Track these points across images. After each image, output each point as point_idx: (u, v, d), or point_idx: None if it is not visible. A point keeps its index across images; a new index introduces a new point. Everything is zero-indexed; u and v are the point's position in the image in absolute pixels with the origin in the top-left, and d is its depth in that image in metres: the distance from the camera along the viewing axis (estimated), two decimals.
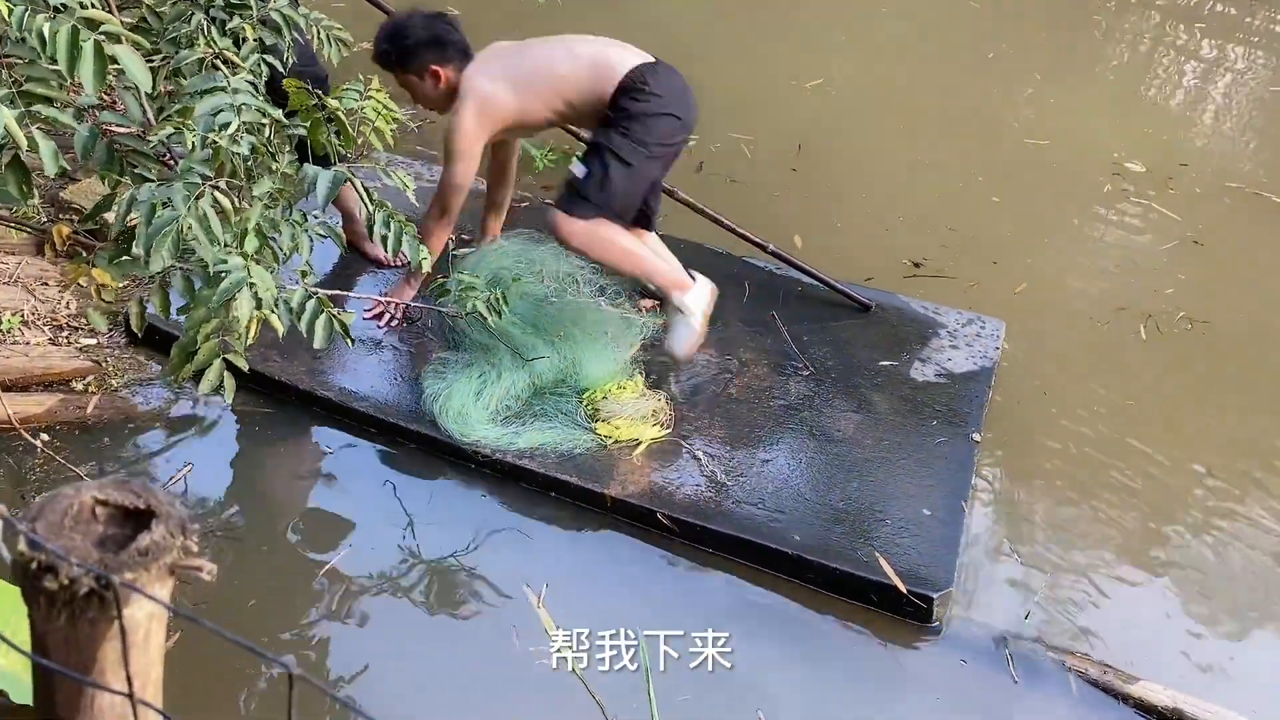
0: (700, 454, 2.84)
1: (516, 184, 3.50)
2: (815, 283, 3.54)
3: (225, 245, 1.93)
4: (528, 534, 2.65)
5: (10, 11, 1.82)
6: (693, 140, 4.27)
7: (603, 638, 2.36)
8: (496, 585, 2.50)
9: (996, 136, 4.75)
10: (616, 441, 2.82)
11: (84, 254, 3.13)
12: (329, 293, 2.18)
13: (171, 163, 2.15)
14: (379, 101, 2.26)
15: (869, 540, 2.64)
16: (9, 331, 2.97)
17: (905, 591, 2.50)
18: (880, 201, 4.15)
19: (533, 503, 2.72)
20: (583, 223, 2.88)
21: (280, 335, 2.06)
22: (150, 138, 2.04)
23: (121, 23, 2.04)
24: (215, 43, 2.16)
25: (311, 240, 2.16)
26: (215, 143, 1.95)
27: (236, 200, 2.02)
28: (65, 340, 3.03)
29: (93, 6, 1.88)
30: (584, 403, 2.91)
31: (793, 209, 3.95)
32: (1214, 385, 3.45)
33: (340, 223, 3.29)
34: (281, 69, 2.27)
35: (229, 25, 2.23)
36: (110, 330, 3.06)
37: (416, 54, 2.94)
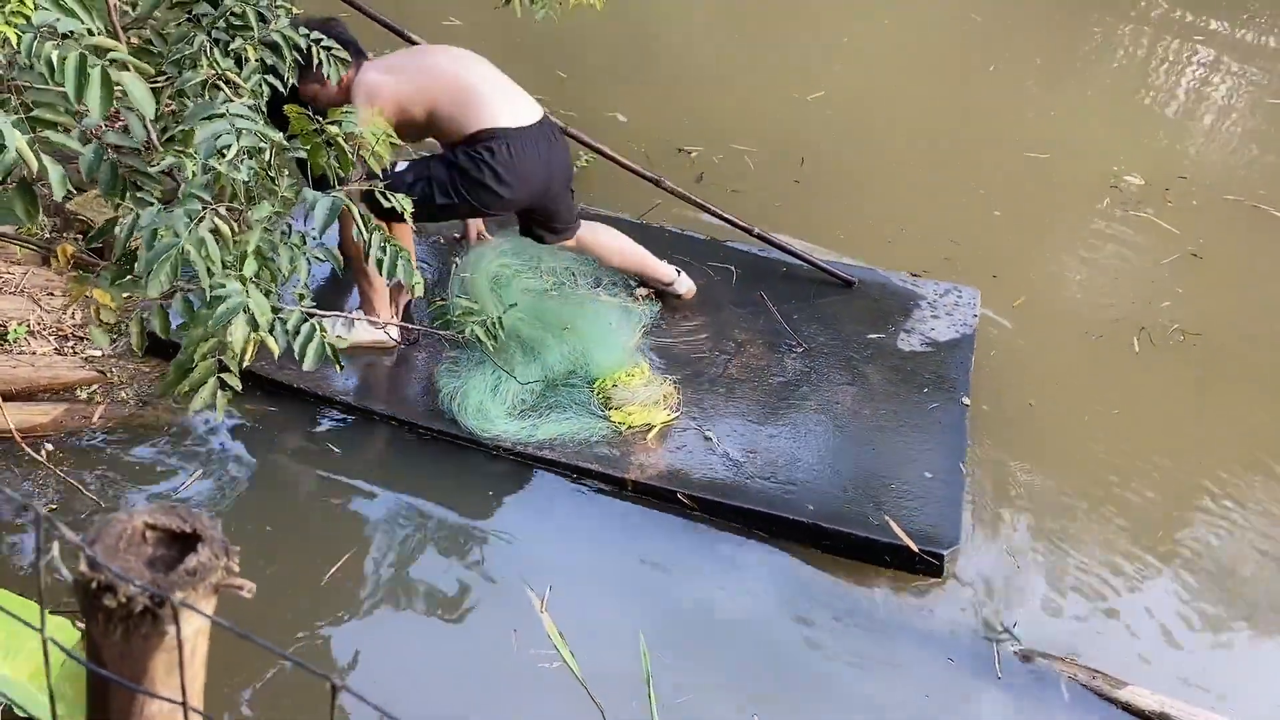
0: (711, 434, 2.96)
1: None
2: (799, 262, 3.66)
3: (225, 268, 1.97)
4: (531, 536, 2.71)
5: (19, 39, 1.84)
6: (694, 151, 4.36)
7: (604, 640, 2.45)
8: (500, 588, 2.57)
9: (997, 149, 4.78)
10: (630, 427, 2.93)
11: (86, 272, 3.12)
12: (327, 314, 2.22)
13: (176, 184, 2.18)
14: (377, 123, 2.31)
15: (878, 505, 2.79)
16: (15, 341, 2.97)
17: (918, 551, 2.66)
18: (882, 213, 4.20)
19: (536, 504, 2.79)
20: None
21: (276, 356, 2.10)
22: (154, 163, 2.06)
23: (128, 44, 2.07)
24: (218, 64, 2.19)
25: (310, 262, 2.21)
26: (215, 168, 1.99)
27: (236, 224, 2.06)
28: (70, 350, 3.03)
29: (100, 33, 1.90)
30: (596, 392, 3.00)
31: (795, 219, 3.99)
32: (1206, 396, 3.51)
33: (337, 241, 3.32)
34: (283, 89, 2.30)
35: (231, 46, 2.25)
36: (113, 344, 3.06)
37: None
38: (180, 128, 2.00)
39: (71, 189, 1.90)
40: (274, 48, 2.23)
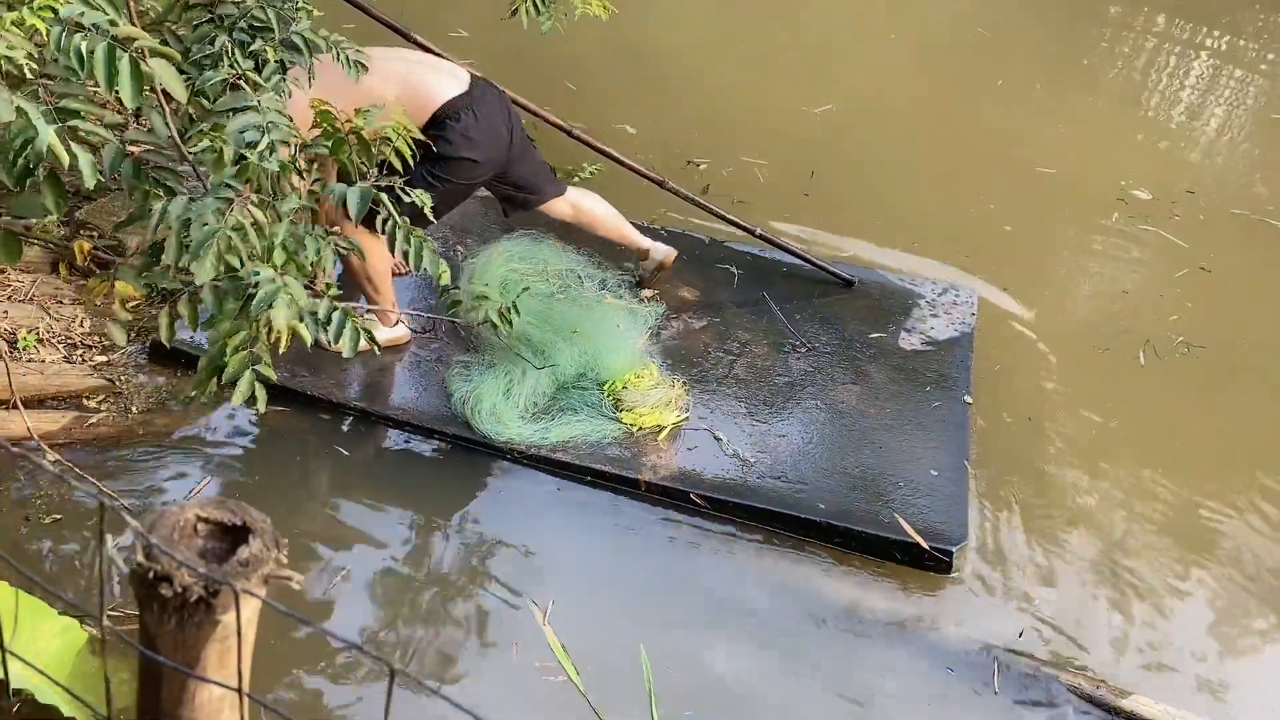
0: (720, 434, 3.00)
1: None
2: (800, 262, 3.71)
3: (256, 259, 1.99)
4: (534, 549, 2.72)
5: (48, 31, 1.86)
6: (703, 164, 4.39)
7: (606, 653, 2.47)
8: (502, 601, 2.58)
9: (1007, 164, 4.80)
10: (641, 428, 2.96)
11: (99, 271, 3.12)
12: (352, 305, 2.25)
13: (197, 178, 2.19)
14: (399, 121, 2.33)
15: (886, 502, 2.84)
16: (25, 349, 2.96)
17: (927, 548, 2.70)
18: (893, 227, 4.22)
19: (539, 516, 2.81)
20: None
21: (308, 345, 2.12)
22: (190, 150, 2.08)
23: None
24: (239, 64, 2.21)
25: (335, 255, 2.23)
26: (246, 158, 2.01)
27: (265, 215, 2.09)
28: (80, 358, 3.03)
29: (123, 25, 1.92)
30: (606, 394, 3.03)
31: (804, 233, 4.02)
32: (1213, 408, 3.55)
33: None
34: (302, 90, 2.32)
35: (251, 48, 2.27)
36: (128, 344, 3.06)
37: None
38: (205, 124, 2.01)
39: (101, 176, 1.91)
40: (294, 49, 2.25)
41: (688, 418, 3.03)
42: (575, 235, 3.60)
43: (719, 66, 5.28)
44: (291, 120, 2.12)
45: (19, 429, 2.75)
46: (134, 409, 2.94)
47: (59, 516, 2.64)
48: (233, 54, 2.24)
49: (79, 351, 3.04)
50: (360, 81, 2.77)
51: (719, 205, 3.68)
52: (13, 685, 2.03)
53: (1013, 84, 5.61)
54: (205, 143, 2.04)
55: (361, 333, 2.18)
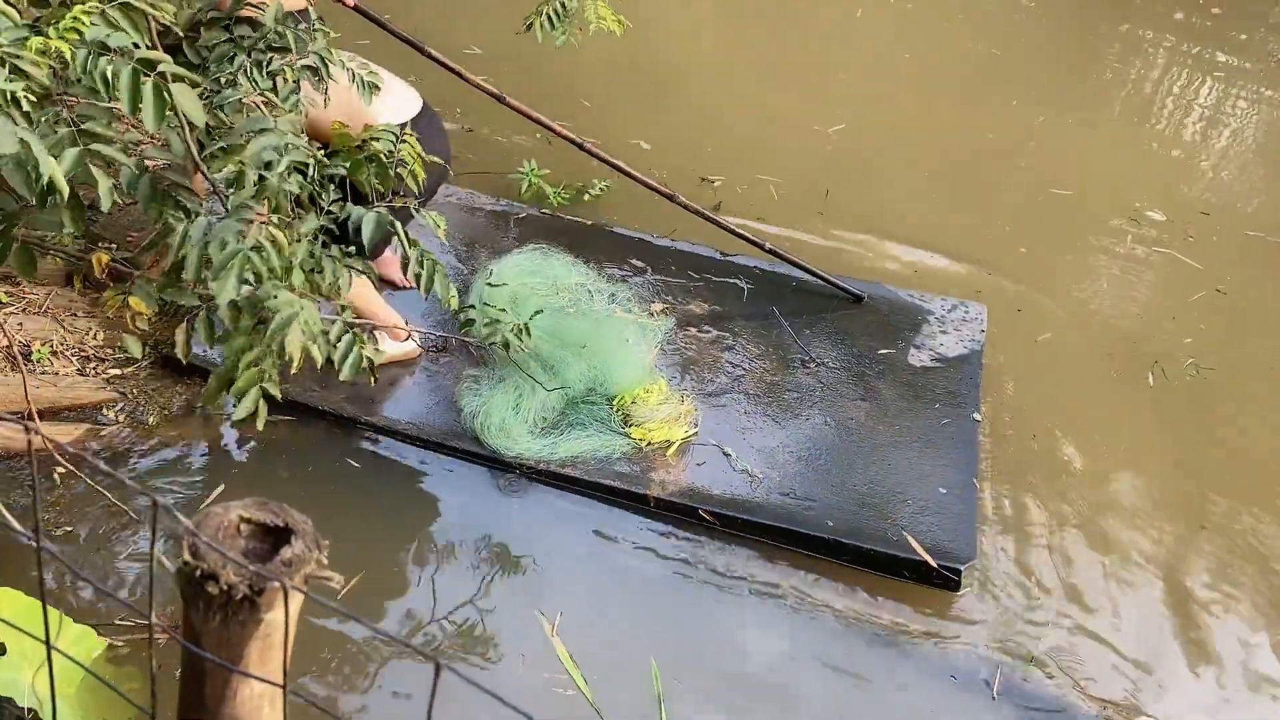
0: (729, 450, 3.01)
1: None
2: (809, 277, 3.72)
3: (274, 279, 2.01)
4: (542, 560, 2.73)
5: (73, 54, 1.88)
6: (717, 180, 4.40)
7: (616, 664, 2.48)
8: (510, 612, 2.59)
9: (1021, 184, 4.79)
10: (650, 444, 2.97)
11: (114, 283, 3.15)
12: (363, 323, 2.27)
13: (217, 197, 2.22)
14: (413, 146, 2.35)
15: (894, 520, 2.84)
16: (39, 361, 2.99)
17: (936, 566, 2.71)
18: (908, 245, 4.20)
19: (548, 528, 2.82)
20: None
21: (319, 365, 2.14)
22: (210, 174, 2.10)
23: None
24: (257, 83, 2.23)
25: (351, 275, 2.25)
26: (266, 179, 2.03)
27: (284, 235, 2.11)
28: (93, 371, 3.05)
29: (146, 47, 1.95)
30: (615, 409, 3.04)
31: (818, 250, 4.01)
32: (1219, 431, 3.52)
33: None
34: (311, 109, 2.34)
35: (269, 67, 2.30)
36: (142, 359, 3.09)
37: None
38: (223, 143, 2.04)
39: (119, 199, 1.93)
40: (312, 70, 2.27)
41: (697, 433, 3.04)
42: (586, 249, 3.62)
43: (732, 84, 5.30)
44: (310, 140, 2.15)
45: (33, 440, 2.77)
46: (147, 421, 2.96)
47: (70, 528, 2.66)
48: (251, 74, 2.27)
49: (92, 364, 3.06)
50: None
51: (732, 221, 3.69)
52: (24, 695, 2.05)
53: (1026, 103, 5.61)
54: (229, 167, 2.06)
55: (364, 360, 2.19)
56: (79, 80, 1.92)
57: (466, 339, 2.98)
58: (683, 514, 2.83)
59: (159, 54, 1.95)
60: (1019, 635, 2.72)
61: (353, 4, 3.31)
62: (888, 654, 2.63)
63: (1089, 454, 3.33)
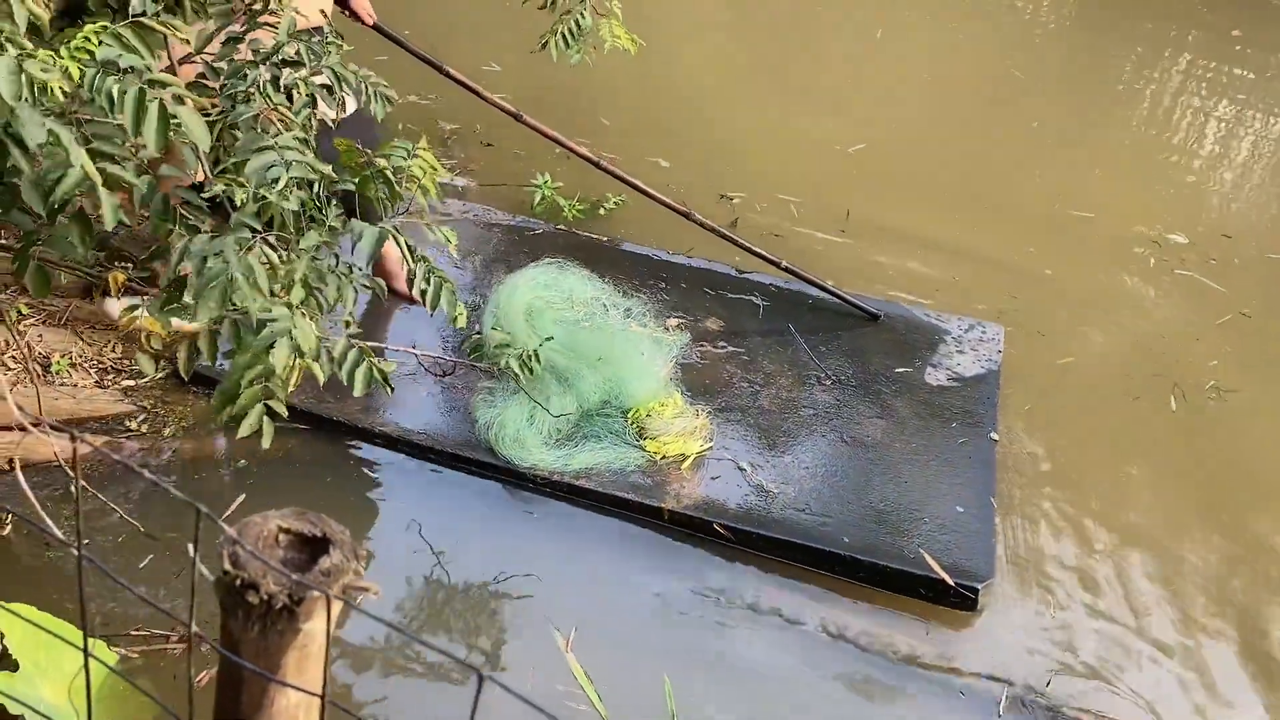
0: (744, 464, 2.99)
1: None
2: (825, 295, 3.71)
3: (272, 295, 2.01)
4: (556, 575, 2.72)
5: (82, 73, 1.90)
6: (737, 198, 4.41)
7: (629, 681, 2.46)
8: (523, 627, 2.58)
9: (1042, 206, 4.77)
10: (665, 457, 2.96)
11: (137, 299, 3.18)
12: (371, 345, 2.27)
13: (227, 213, 2.23)
14: (425, 159, 2.36)
15: (911, 538, 2.81)
16: (58, 373, 3.01)
17: (953, 585, 2.68)
18: (930, 267, 4.18)
19: (562, 543, 2.81)
20: None
21: (321, 383, 2.14)
22: (207, 192, 2.11)
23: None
24: (270, 98, 2.24)
25: (356, 292, 2.25)
26: (265, 197, 2.04)
27: (285, 253, 2.11)
28: (111, 383, 3.07)
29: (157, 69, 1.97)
30: (630, 421, 3.03)
31: (839, 269, 4.00)
32: (1241, 454, 3.47)
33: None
34: (331, 125, 2.35)
35: (283, 81, 2.31)
36: (159, 371, 3.10)
37: None
38: (232, 160, 2.05)
39: (124, 219, 1.94)
40: (326, 86, 2.29)
41: (711, 447, 3.03)
42: (601, 265, 3.63)
43: (751, 103, 5.31)
44: (318, 154, 2.16)
45: (46, 452, 2.79)
46: (164, 432, 2.98)
47: (86, 540, 2.66)
48: (264, 89, 2.28)
49: (110, 376, 3.08)
50: None
51: (749, 238, 3.69)
52: (40, 710, 2.05)
53: (1047, 124, 5.59)
54: (220, 186, 2.07)
55: (376, 373, 2.20)
56: (90, 100, 1.94)
57: (474, 364, 2.99)
58: (697, 528, 2.81)
59: (168, 76, 1.96)
60: (1031, 658, 2.68)
61: (372, 23, 3.35)
62: (902, 673, 2.60)
63: (1110, 479, 3.29)
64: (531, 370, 2.75)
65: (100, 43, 1.72)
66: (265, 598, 1.07)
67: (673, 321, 3.49)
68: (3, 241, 3.07)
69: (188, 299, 1.96)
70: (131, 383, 3.09)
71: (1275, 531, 3.18)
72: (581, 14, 2.95)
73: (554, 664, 2.49)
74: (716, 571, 2.78)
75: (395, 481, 2.94)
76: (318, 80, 2.26)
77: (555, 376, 3.06)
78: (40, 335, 3.10)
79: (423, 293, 2.26)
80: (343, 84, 2.40)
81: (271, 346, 1.91)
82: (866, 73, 5.91)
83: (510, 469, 2.87)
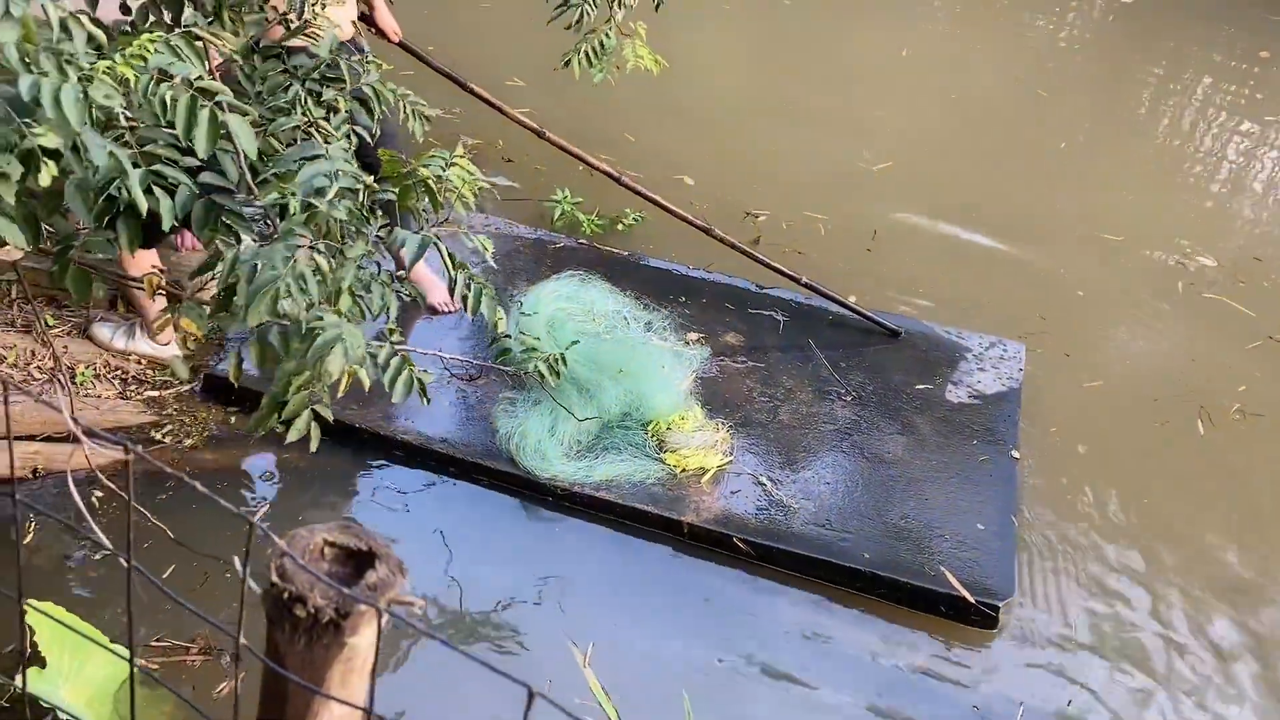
0: (765, 479, 2.99)
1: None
2: (845, 311, 3.71)
3: (320, 303, 2.03)
4: (575, 590, 2.72)
5: (136, 79, 1.93)
6: (762, 215, 4.40)
7: (647, 696, 2.46)
8: (541, 641, 2.57)
9: (1073, 228, 4.74)
10: (685, 470, 2.96)
11: (174, 303, 3.21)
12: (411, 349, 2.29)
13: (268, 223, 2.25)
14: (463, 168, 2.38)
15: (931, 555, 2.80)
16: (82, 384, 3.03)
17: (974, 602, 2.66)
18: (959, 287, 4.17)
19: (581, 558, 2.81)
20: None
21: (366, 389, 2.16)
22: (257, 202, 2.14)
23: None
24: (311, 112, 2.27)
25: (400, 300, 2.28)
26: (315, 206, 2.07)
27: (331, 261, 2.14)
28: (134, 394, 3.09)
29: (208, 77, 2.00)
30: (650, 434, 3.04)
31: (867, 285, 4.01)
32: (1269, 479, 3.44)
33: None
34: (369, 140, 2.38)
35: (323, 97, 2.34)
36: (193, 378, 3.13)
37: None
38: (274, 170, 2.08)
39: (176, 222, 1.97)
40: (363, 100, 2.32)
41: (731, 461, 3.03)
42: (622, 278, 3.64)
43: (775, 122, 5.30)
44: (360, 165, 2.19)
45: (66, 461, 2.81)
46: (186, 443, 3.00)
47: (109, 553, 2.67)
48: (305, 103, 2.32)
49: (133, 388, 3.11)
50: None
51: (774, 255, 3.69)
52: (62, 714, 2.06)
53: (1075, 145, 5.57)
54: (274, 195, 2.10)
55: (416, 381, 2.21)
56: (141, 105, 1.97)
57: (503, 368, 2.99)
58: (717, 542, 2.81)
59: (218, 84, 2.00)
60: (1051, 678, 2.66)
61: (398, 40, 3.38)
62: (921, 690, 2.58)
63: (1136, 502, 3.26)
64: (558, 374, 2.76)
65: (155, 51, 1.75)
66: (312, 611, 1.07)
67: (693, 336, 3.49)
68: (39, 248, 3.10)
69: (238, 304, 1.99)
70: (155, 394, 3.12)
71: None
72: (606, 33, 2.98)
73: (572, 678, 2.48)
74: (736, 586, 2.78)
75: (415, 491, 2.95)
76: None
77: (577, 388, 3.07)
78: (66, 346, 3.12)
79: (464, 298, 2.28)
80: (380, 102, 2.43)
81: (325, 354, 1.93)
82: (892, 92, 5.91)
83: (530, 479, 2.88)
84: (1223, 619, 2.92)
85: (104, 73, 1.74)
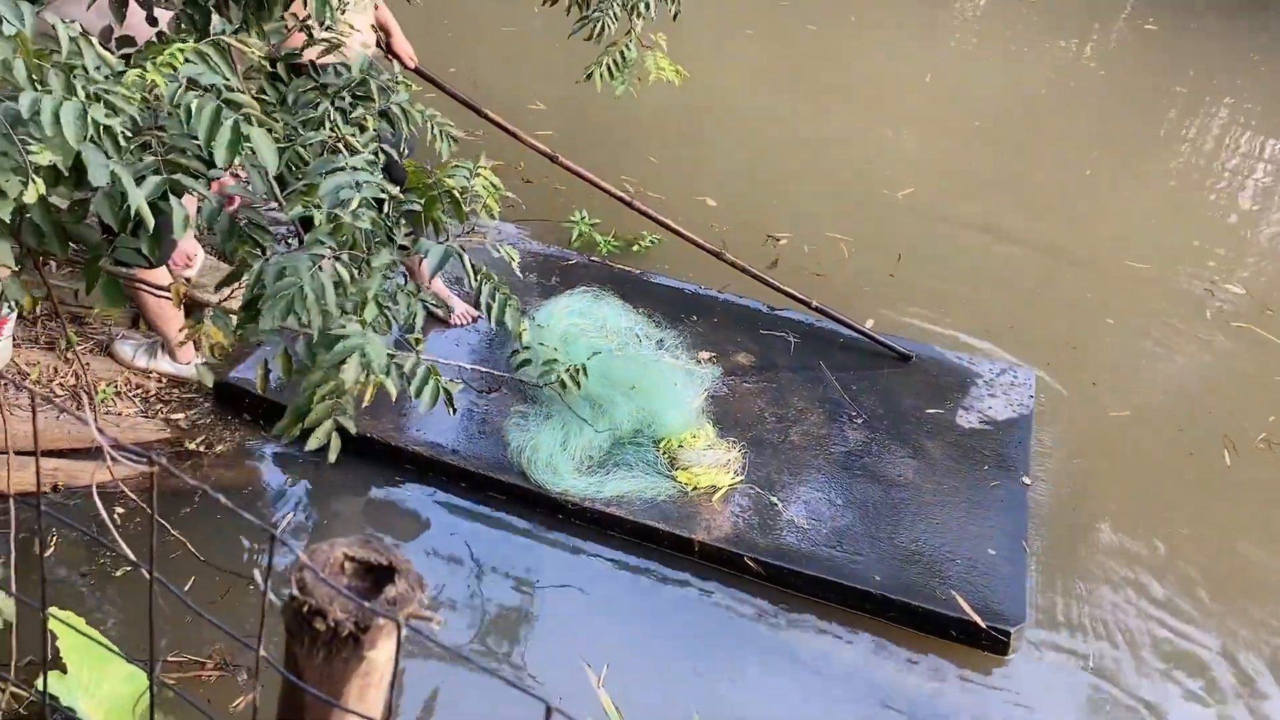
0: (775, 499, 3.00)
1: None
2: (856, 335, 3.72)
3: (345, 313, 2.06)
4: (588, 611, 2.72)
5: (165, 86, 1.97)
6: (783, 238, 4.43)
7: (660, 716, 2.45)
8: (553, 662, 2.57)
9: (1098, 253, 4.76)
10: (696, 488, 2.96)
11: (200, 312, 3.25)
12: (437, 360, 2.31)
13: (293, 235, 2.29)
14: (486, 179, 2.42)
15: (943, 579, 2.79)
16: (103, 402, 3.06)
17: (985, 627, 2.65)
18: (988, 314, 4.17)
19: (595, 576, 2.81)
20: None
21: (393, 399, 2.18)
22: (282, 216, 2.18)
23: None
24: (339, 128, 2.31)
25: (426, 310, 2.31)
26: (339, 217, 2.10)
27: (356, 272, 2.17)
28: (154, 412, 3.11)
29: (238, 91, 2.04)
30: (661, 451, 3.05)
31: (890, 310, 4.02)
32: None
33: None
34: (397, 157, 2.42)
35: (352, 115, 2.39)
36: (210, 391, 3.16)
37: None
38: (304, 183, 2.11)
39: (196, 230, 2.00)
40: (390, 119, 2.36)
41: (742, 480, 3.03)
42: (635, 296, 3.67)
43: (797, 145, 5.34)
44: (385, 178, 2.23)
45: (85, 477, 2.82)
46: (206, 460, 3.01)
47: (129, 568, 2.68)
48: (333, 120, 2.36)
49: (153, 405, 3.13)
50: None
51: (795, 277, 3.70)
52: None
53: (1100, 172, 5.56)
54: (299, 208, 2.14)
55: (443, 391, 2.24)
56: (169, 114, 2.01)
57: (523, 380, 3.02)
58: (728, 561, 2.81)
59: (245, 98, 2.04)
60: (1062, 706, 2.64)
61: (414, 66, 3.44)
62: (931, 715, 2.57)
63: (1158, 531, 3.25)
64: (579, 385, 2.78)
65: (185, 60, 1.78)
66: (332, 624, 1.07)
67: (704, 354, 3.51)
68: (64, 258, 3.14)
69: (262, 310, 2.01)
70: (178, 415, 3.13)
71: None
72: (627, 45, 3.02)
73: (585, 698, 2.48)
74: (746, 607, 2.77)
75: (427, 506, 2.95)
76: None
77: (590, 403, 3.08)
78: (88, 364, 3.15)
79: (488, 307, 2.30)
80: (408, 121, 2.48)
81: (343, 362, 1.95)
82: (916, 117, 5.93)
83: (542, 494, 2.89)
84: (1244, 651, 2.90)
85: (132, 82, 1.77)
